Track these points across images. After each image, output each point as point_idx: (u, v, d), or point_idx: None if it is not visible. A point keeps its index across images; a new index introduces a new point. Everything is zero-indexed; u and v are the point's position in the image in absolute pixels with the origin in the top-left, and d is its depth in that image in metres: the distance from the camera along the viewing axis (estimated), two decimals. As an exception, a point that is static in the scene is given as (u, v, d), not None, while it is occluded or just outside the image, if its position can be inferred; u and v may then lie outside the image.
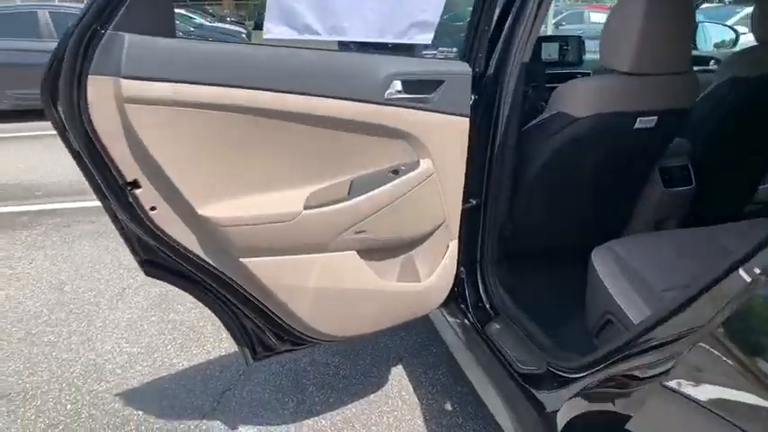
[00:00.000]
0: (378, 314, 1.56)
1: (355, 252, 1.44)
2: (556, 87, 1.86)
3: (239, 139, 1.19)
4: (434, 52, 1.44)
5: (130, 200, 1.15)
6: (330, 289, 1.42)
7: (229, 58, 1.14)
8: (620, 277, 1.50)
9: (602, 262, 1.56)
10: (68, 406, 2.07)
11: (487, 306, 1.76)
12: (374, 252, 1.50)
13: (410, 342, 2.41)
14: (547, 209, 1.95)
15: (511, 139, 1.70)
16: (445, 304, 1.81)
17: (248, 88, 1.15)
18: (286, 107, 1.21)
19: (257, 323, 1.50)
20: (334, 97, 1.26)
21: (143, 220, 1.19)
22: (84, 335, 2.50)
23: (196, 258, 1.28)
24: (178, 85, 1.07)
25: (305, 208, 1.29)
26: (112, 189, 1.16)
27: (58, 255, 3.29)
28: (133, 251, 1.34)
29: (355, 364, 2.27)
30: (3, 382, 2.20)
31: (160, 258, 1.33)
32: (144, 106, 1.05)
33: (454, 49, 1.47)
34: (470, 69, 1.47)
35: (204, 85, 1.10)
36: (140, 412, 2.03)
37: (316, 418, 2.00)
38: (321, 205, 1.31)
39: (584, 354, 1.39)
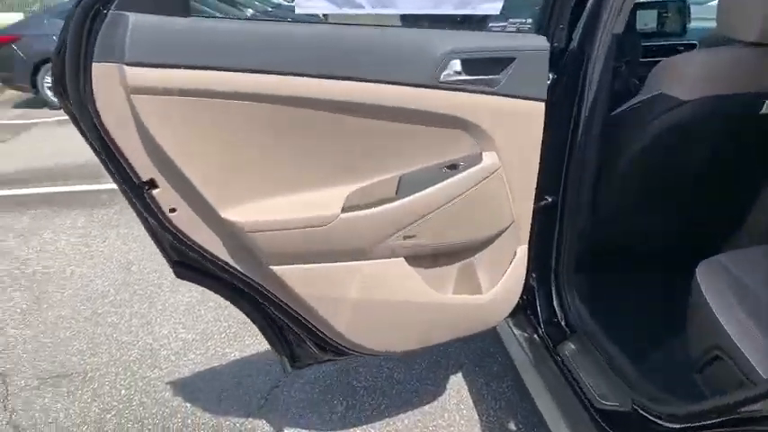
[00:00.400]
0: (429, 329, 1.37)
1: (403, 259, 1.25)
2: (654, 62, 1.54)
3: (266, 133, 1.03)
4: (504, 24, 1.19)
5: (148, 200, 1.03)
6: (373, 301, 1.25)
7: (253, 38, 0.97)
8: (733, 302, 1.20)
9: (709, 280, 1.27)
10: (122, 391, 2.07)
11: (562, 321, 1.52)
12: (426, 259, 1.30)
13: (472, 348, 2.20)
14: (639, 209, 1.65)
15: (597, 125, 1.42)
16: (512, 314, 1.58)
17: (275, 73, 0.98)
18: (322, 94, 1.03)
19: (296, 331, 1.36)
20: (379, 81, 1.06)
21: (163, 223, 1.06)
22: (144, 317, 2.52)
23: (223, 264, 1.15)
24: (192, 71, 0.92)
25: (343, 210, 1.11)
26: (130, 187, 1.04)
27: (129, 234, 3.37)
28: (163, 251, 1.23)
29: (410, 369, 2.10)
30: (67, 361, 2.25)
31: (191, 260, 1.22)
32: (153, 97, 0.91)
33: (529, 20, 1.21)
34: (548, 44, 1.20)
35: (223, 70, 0.94)
36: (188, 404, 1.99)
37: (364, 427, 1.86)
38: (363, 207, 1.13)
39: (683, 395, 1.13)
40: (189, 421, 1.92)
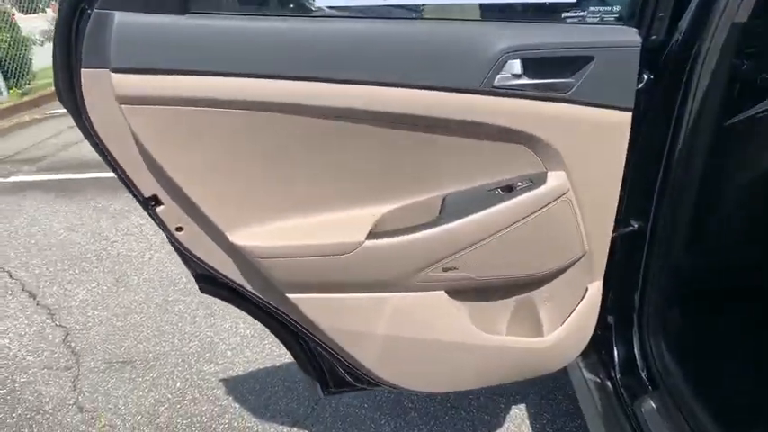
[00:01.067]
0: (476, 373, 1.18)
1: (443, 293, 1.07)
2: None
3: (280, 147, 0.89)
4: (582, 14, 0.96)
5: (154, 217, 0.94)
6: (404, 338, 1.09)
7: (264, 38, 0.83)
8: None
9: None
10: (178, 383, 2.09)
11: (642, 373, 1.26)
12: (474, 293, 1.12)
13: (540, 377, 1.95)
14: (756, 240, 1.32)
15: (704, 137, 1.14)
16: (584, 353, 1.34)
17: (291, 78, 0.84)
18: (349, 102, 0.87)
19: (327, 357, 1.23)
20: (418, 87, 0.89)
21: (172, 241, 0.98)
22: (209, 308, 2.54)
23: (239, 287, 1.04)
24: (190, 77, 0.80)
25: (370, 236, 0.96)
26: (138, 202, 0.96)
27: (208, 220, 3.45)
28: (187, 264, 1.15)
29: (467, 395, 1.91)
30: (134, 347, 2.33)
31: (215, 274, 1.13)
32: (145, 107, 0.80)
33: (616, 9, 0.97)
34: (639, 38, 0.95)
35: (227, 76, 0.81)
36: (237, 405, 1.97)
37: (410, 455, 1.72)
38: (393, 233, 0.97)
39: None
40: (235, 424, 1.89)
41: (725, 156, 1.20)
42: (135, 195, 0.94)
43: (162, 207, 0.92)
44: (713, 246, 1.30)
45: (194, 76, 0.80)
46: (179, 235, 0.95)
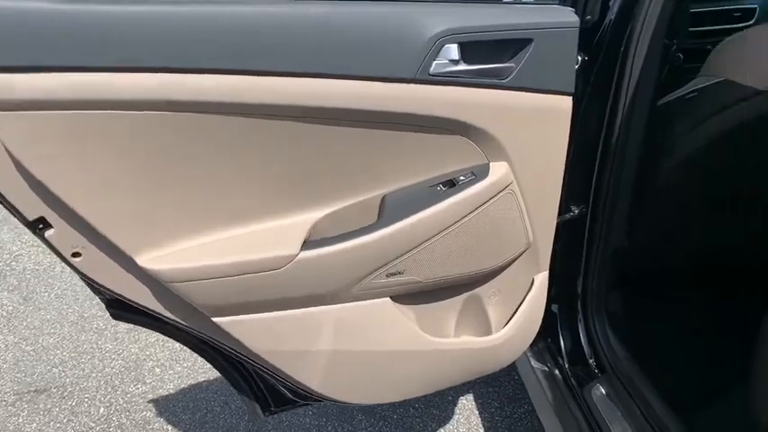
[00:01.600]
0: (425, 379, 1.12)
1: (388, 299, 0.99)
2: (702, 33, 1.22)
3: (188, 151, 0.77)
4: (517, -7, 0.90)
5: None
6: (350, 352, 1.00)
7: (150, 25, 0.70)
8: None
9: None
10: (101, 409, 1.90)
11: (590, 360, 1.25)
12: (419, 296, 1.05)
13: (486, 365, 1.95)
14: (692, 224, 1.34)
15: (639, 119, 1.13)
16: (531, 343, 1.32)
17: (198, 71, 0.71)
18: (268, 96, 0.76)
19: (266, 378, 1.13)
20: (347, 77, 0.79)
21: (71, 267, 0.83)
22: (132, 322, 2.34)
23: (157, 315, 0.91)
24: (64, 75, 0.66)
25: (305, 246, 0.86)
26: (26, 226, 0.80)
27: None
28: (94, 290, 1.00)
29: (415, 391, 1.87)
30: (48, 372, 2.09)
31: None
32: (13, 113, 0.65)
33: (553, -12, 0.92)
34: (577, 18, 0.91)
35: (109, 71, 0.68)
36: (170, 427, 1.82)
37: (360, 460, 1.65)
38: (330, 242, 0.87)
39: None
40: (169, 448, 1.74)
41: (658, 137, 1.20)
42: (18, 218, 0.78)
43: (52, 231, 0.77)
44: (653, 229, 1.30)
45: (72, 73, 0.66)
46: (76, 261, 0.81)
